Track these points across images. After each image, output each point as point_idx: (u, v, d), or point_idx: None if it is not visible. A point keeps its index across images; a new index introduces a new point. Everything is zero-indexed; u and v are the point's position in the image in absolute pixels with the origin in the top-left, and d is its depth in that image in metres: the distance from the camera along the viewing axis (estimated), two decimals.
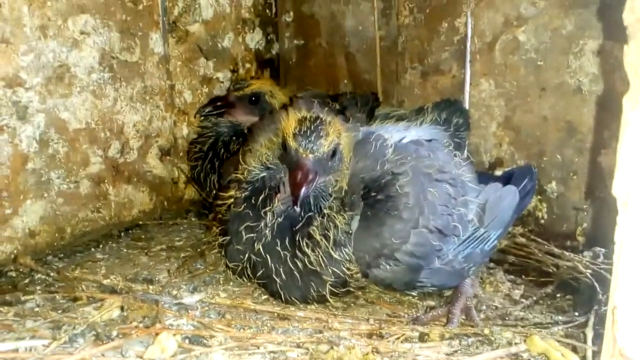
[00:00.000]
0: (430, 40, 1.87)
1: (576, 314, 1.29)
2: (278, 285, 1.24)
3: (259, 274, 1.25)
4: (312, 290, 1.24)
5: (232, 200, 1.31)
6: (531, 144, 1.73)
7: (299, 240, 1.21)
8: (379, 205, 1.21)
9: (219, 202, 1.36)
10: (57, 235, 1.64)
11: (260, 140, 1.38)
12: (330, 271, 1.21)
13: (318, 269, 1.21)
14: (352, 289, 1.29)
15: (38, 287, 1.35)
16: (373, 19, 1.99)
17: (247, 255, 1.25)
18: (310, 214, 1.22)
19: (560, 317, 1.28)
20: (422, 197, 1.22)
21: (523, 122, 1.74)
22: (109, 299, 1.24)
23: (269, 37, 2.26)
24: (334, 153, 1.22)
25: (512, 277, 1.53)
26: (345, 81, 2.15)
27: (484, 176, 1.52)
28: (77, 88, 1.65)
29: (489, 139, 1.80)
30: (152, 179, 1.91)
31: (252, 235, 1.24)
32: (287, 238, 1.22)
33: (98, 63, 1.69)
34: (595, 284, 1.37)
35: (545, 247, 1.63)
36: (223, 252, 1.34)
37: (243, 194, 1.28)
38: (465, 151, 1.60)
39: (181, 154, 1.99)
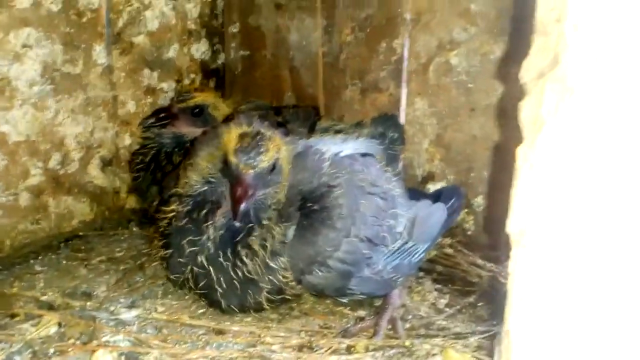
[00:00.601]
0: (369, 58, 1.95)
1: (494, 322, 1.39)
2: (219, 294, 1.29)
3: (200, 285, 1.30)
4: (249, 298, 1.29)
5: (173, 214, 1.35)
6: (461, 160, 1.84)
7: (239, 250, 1.26)
8: (315, 215, 1.29)
9: (161, 216, 1.39)
10: None
11: (202, 154, 1.42)
12: (267, 279, 1.27)
13: (256, 277, 1.27)
14: (287, 297, 1.35)
15: None
16: (316, 35, 2.06)
17: (189, 267, 1.30)
18: (250, 225, 1.28)
19: (479, 327, 1.38)
20: (354, 208, 1.30)
21: (454, 140, 1.84)
22: (47, 315, 1.27)
23: (214, 48, 2.29)
24: (273, 167, 1.28)
25: (439, 286, 1.62)
26: (289, 93, 2.21)
27: (416, 192, 1.62)
28: (18, 101, 1.65)
29: (422, 155, 1.90)
30: (93, 189, 1.92)
31: (195, 248, 1.28)
32: (229, 249, 1.27)
33: (40, 76, 1.70)
34: None
35: (470, 258, 1.74)
36: (165, 265, 1.38)
37: (184, 208, 1.32)
38: (400, 164, 1.68)
39: (123, 163, 2.01)
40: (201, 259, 1.27)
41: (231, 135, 1.27)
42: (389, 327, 1.36)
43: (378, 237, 1.33)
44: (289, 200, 1.32)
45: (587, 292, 0.76)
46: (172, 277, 1.36)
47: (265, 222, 1.28)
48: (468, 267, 1.69)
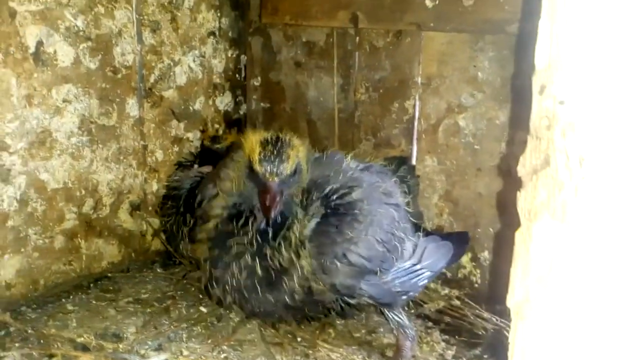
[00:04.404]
0: (382, 117, 2.09)
1: None
2: (258, 291, 1.36)
3: (242, 283, 1.37)
4: (283, 291, 1.36)
5: (218, 219, 1.43)
6: (468, 215, 1.95)
7: (279, 242, 1.35)
8: (338, 210, 1.38)
9: (209, 215, 1.46)
10: (31, 287, 1.76)
11: (230, 166, 1.51)
12: (297, 268, 1.35)
13: (288, 266, 1.35)
14: (315, 293, 1.39)
15: (16, 344, 1.47)
16: (333, 92, 2.20)
17: (233, 265, 1.37)
18: (286, 219, 1.37)
19: None
20: (373, 211, 1.40)
21: (461, 196, 1.96)
22: (82, 357, 1.38)
23: (237, 99, 2.43)
24: (295, 171, 1.36)
25: (447, 337, 1.72)
26: (306, 144, 2.34)
27: (426, 230, 1.72)
28: (57, 151, 1.79)
29: (431, 209, 2.02)
30: (121, 232, 2.04)
31: (240, 249, 1.37)
32: (270, 244, 1.36)
33: (78, 128, 1.84)
34: None
35: (477, 310, 1.83)
36: (209, 265, 1.43)
37: (226, 214, 1.42)
38: (412, 195, 1.73)
39: (150, 208, 2.13)
40: (247, 256, 1.36)
41: (253, 143, 1.36)
42: None
43: (391, 244, 1.42)
44: (311, 194, 1.41)
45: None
46: (216, 274, 1.41)
47: (297, 215, 1.38)
48: (474, 320, 1.79)
